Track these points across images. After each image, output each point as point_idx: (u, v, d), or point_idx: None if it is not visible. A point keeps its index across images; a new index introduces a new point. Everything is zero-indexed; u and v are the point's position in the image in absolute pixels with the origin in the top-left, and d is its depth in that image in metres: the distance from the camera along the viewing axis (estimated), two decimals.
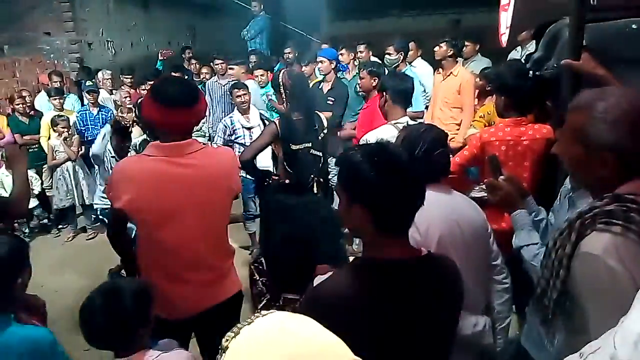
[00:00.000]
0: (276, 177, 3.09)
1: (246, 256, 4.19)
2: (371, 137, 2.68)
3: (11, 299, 1.59)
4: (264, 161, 3.46)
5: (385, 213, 1.17)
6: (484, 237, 1.82)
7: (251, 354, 0.66)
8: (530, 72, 2.53)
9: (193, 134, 2.01)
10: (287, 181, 2.98)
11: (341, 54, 4.92)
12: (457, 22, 8.45)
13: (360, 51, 5.03)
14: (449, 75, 4.40)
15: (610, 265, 1.07)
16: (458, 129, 4.26)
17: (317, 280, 1.53)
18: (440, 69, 4.52)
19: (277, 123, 2.95)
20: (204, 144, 2.36)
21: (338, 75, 4.85)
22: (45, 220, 5.44)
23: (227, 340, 0.70)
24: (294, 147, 2.91)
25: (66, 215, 5.33)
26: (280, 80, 3.00)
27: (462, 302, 1.35)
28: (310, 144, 2.96)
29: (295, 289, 1.73)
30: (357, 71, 4.52)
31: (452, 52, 4.37)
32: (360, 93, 4.34)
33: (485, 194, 2.37)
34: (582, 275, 1.13)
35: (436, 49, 4.47)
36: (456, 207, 1.75)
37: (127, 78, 6.05)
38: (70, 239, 5.15)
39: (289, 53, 5.83)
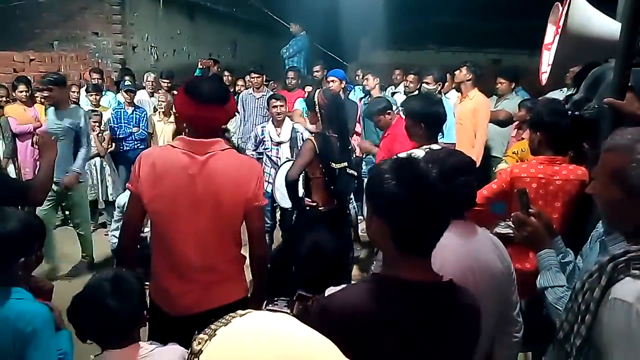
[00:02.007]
0: (313, 203, 3.05)
1: None
2: None
3: (13, 276, 1.57)
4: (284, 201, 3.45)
5: (404, 230, 1.12)
6: (503, 286, 1.66)
7: (232, 357, 0.58)
8: (569, 111, 2.46)
9: None
10: (333, 205, 2.94)
11: (366, 79, 5.07)
12: (496, 61, 8.40)
13: (366, 79, 5.09)
14: (464, 98, 4.45)
15: None
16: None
17: (330, 290, 1.49)
18: (460, 93, 4.55)
19: (313, 141, 2.95)
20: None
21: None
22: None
23: (199, 343, 0.61)
24: (334, 165, 2.91)
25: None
26: (315, 99, 3.01)
27: (478, 339, 1.26)
28: (346, 164, 2.97)
29: (313, 288, 1.71)
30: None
31: (471, 76, 4.43)
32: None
33: (511, 231, 2.28)
34: (610, 322, 1.04)
35: (457, 72, 4.56)
36: (476, 252, 1.59)
37: (165, 82, 6.18)
38: None
39: (317, 72, 5.89)
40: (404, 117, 3.22)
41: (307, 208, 3.08)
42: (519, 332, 1.72)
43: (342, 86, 4.80)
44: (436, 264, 1.45)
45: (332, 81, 4.77)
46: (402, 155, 2.53)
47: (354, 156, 3.18)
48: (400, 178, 1.11)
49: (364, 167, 4.54)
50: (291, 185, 3.00)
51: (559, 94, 4.61)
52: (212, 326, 0.64)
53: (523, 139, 4.02)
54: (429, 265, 1.19)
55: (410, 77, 5.12)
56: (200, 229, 1.86)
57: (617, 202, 1.12)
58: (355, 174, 3.06)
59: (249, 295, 2.08)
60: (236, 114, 5.84)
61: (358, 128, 4.99)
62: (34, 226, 1.69)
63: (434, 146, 2.67)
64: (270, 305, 1.80)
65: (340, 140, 2.98)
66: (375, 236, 1.19)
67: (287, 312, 1.74)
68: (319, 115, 3.03)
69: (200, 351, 0.60)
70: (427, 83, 4.68)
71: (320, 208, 3.02)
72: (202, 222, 1.86)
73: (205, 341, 0.61)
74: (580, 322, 1.10)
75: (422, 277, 1.15)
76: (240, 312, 0.66)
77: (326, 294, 1.36)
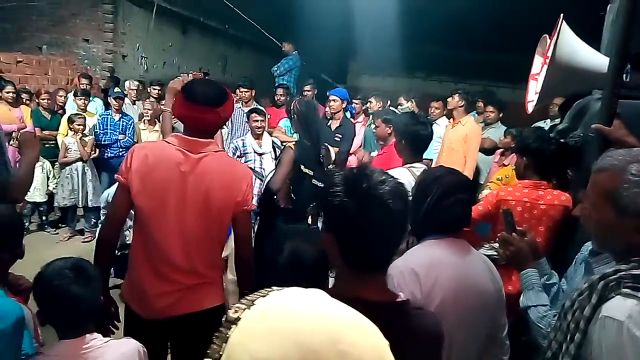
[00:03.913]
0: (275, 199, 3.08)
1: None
2: None
3: None
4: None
5: (351, 244, 1.05)
6: (493, 308, 1.64)
7: (271, 328, 0.56)
8: (554, 139, 2.52)
9: None
10: (288, 206, 2.96)
11: (370, 101, 5.26)
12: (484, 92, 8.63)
13: (370, 101, 5.25)
14: (457, 124, 4.56)
15: (633, 334, 1.00)
16: None
17: None
18: (452, 119, 4.66)
19: (292, 147, 2.98)
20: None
21: (346, 115, 5.07)
22: (45, 218, 5.39)
23: (236, 311, 0.60)
24: (304, 169, 2.92)
25: (66, 215, 5.30)
26: (292, 106, 3.06)
27: None
28: (312, 173, 2.97)
29: None
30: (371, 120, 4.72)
31: (463, 103, 4.55)
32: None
33: (494, 253, 2.30)
34: (600, 341, 1.04)
35: (449, 99, 4.69)
36: (468, 271, 1.58)
37: (155, 89, 6.16)
38: (66, 239, 5.09)
39: (308, 91, 5.94)
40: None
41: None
42: (505, 354, 1.71)
43: (343, 106, 4.77)
44: (429, 280, 1.46)
45: (334, 100, 4.72)
46: (358, 166, 2.58)
47: (330, 167, 3.17)
48: (347, 189, 1.04)
49: None
50: (274, 194, 3.02)
51: (543, 125, 4.75)
52: (249, 297, 0.62)
53: (505, 165, 4.11)
54: (382, 283, 1.11)
55: (371, 98, 5.32)
56: (186, 228, 1.83)
57: (608, 222, 1.13)
58: (320, 184, 3.04)
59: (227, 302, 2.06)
60: (224, 126, 5.84)
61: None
62: (7, 222, 1.63)
63: (417, 165, 2.71)
64: None
65: (312, 148, 3.01)
66: (326, 250, 1.13)
67: None
68: (295, 122, 3.09)
69: (238, 318, 0.59)
70: (400, 104, 4.86)
71: (279, 203, 3.02)
72: (190, 221, 1.83)
73: (243, 310, 0.59)
74: (569, 340, 1.10)
75: (374, 295, 1.06)
76: (274, 287, 0.65)
77: None
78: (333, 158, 3.09)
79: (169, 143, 1.86)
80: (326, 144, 3.15)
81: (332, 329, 0.57)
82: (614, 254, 1.17)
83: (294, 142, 3.02)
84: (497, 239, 2.21)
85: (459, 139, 4.47)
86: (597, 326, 1.05)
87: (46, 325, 1.54)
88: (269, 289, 0.64)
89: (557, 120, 4.57)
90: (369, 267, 1.08)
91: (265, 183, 3.73)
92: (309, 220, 3.01)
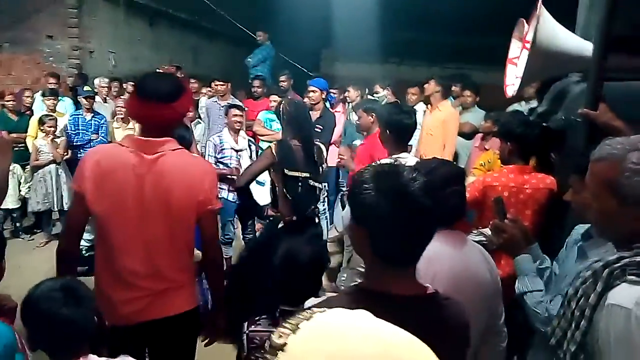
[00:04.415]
0: (277, 214, 3.01)
1: None
2: None
3: None
4: (262, 198, 3.39)
5: (383, 239, 1.07)
6: (490, 297, 1.67)
7: (320, 352, 0.54)
8: (537, 123, 2.55)
9: None
10: (293, 218, 2.91)
11: (348, 90, 5.23)
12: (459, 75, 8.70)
13: (348, 90, 5.23)
14: (434, 110, 4.59)
15: None
16: None
17: (310, 302, 1.46)
18: (429, 105, 4.67)
19: (273, 148, 2.91)
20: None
21: (326, 105, 5.04)
22: (18, 224, 5.22)
23: (280, 336, 0.57)
24: (288, 172, 2.85)
25: (41, 220, 5.14)
26: (280, 108, 2.98)
27: (467, 352, 1.25)
28: (308, 174, 2.91)
29: (294, 301, 1.65)
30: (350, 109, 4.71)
31: (439, 89, 4.57)
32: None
33: (484, 239, 2.33)
34: (608, 328, 1.05)
35: (425, 85, 4.70)
36: (466, 262, 1.60)
37: (131, 86, 5.99)
38: (43, 244, 4.94)
39: (283, 81, 5.87)
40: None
41: (271, 218, 3.05)
42: (503, 341, 1.73)
43: (323, 96, 4.74)
44: (429, 274, 1.45)
45: (313, 91, 4.68)
46: (385, 161, 2.57)
47: (325, 166, 3.14)
48: (380, 186, 1.06)
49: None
50: (241, 190, 2.98)
51: (518, 107, 4.81)
52: (292, 320, 0.60)
53: (486, 149, 4.15)
54: (412, 276, 1.13)
55: (350, 88, 5.27)
56: (148, 233, 1.77)
57: (610, 211, 1.14)
58: (319, 185, 3.01)
59: (200, 305, 2.01)
60: (200, 122, 5.73)
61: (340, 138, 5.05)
62: None
63: (403, 155, 2.71)
64: (252, 326, 1.69)
65: (304, 149, 2.94)
66: (357, 246, 1.15)
67: (273, 330, 1.67)
68: (285, 125, 3.00)
69: (285, 344, 0.56)
70: (376, 92, 4.86)
71: (285, 218, 2.97)
72: (151, 226, 1.77)
73: (288, 335, 0.57)
74: (574, 328, 1.11)
75: (405, 290, 1.10)
76: (317, 309, 0.62)
77: (306, 307, 1.31)
78: (325, 156, 3.04)
79: (123, 145, 1.78)
80: (318, 143, 3.09)
81: (383, 350, 0.55)
82: (616, 242, 1.19)
83: (275, 143, 2.95)
84: (485, 226, 2.25)
85: (437, 124, 4.48)
86: (603, 314, 1.06)
87: (37, 350, 1.47)
88: (310, 311, 0.62)
89: (533, 103, 4.65)
90: (400, 261, 1.10)
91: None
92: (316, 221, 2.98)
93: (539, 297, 1.64)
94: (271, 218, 3.07)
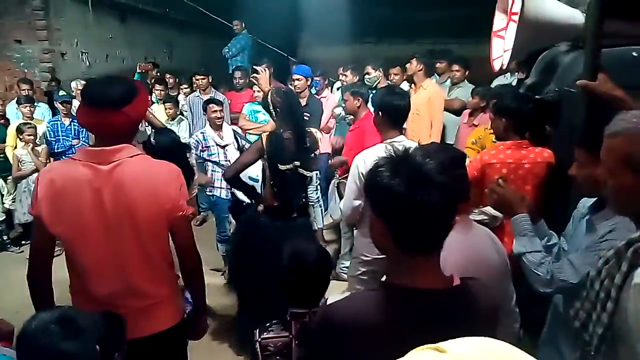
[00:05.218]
0: (260, 200, 2.99)
1: (218, 279, 4.01)
2: (367, 157, 2.60)
3: None
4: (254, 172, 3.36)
5: (402, 226, 1.04)
6: (501, 279, 1.65)
7: None
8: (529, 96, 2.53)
9: None
10: (274, 204, 2.87)
11: (345, 74, 5.18)
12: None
13: (345, 75, 5.15)
14: (419, 89, 4.55)
15: None
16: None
17: (332, 299, 1.42)
18: (413, 85, 4.62)
19: (263, 140, 2.85)
20: None
21: (311, 92, 4.98)
22: (6, 237, 5.08)
23: None
24: (281, 167, 2.81)
25: (29, 231, 5.01)
26: (269, 98, 2.91)
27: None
28: (298, 163, 2.87)
29: (305, 304, 1.62)
30: (341, 93, 4.65)
31: (422, 67, 4.53)
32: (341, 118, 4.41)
33: (485, 217, 2.32)
34: (637, 307, 1.02)
35: (407, 65, 4.65)
36: (475, 245, 1.59)
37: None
38: None
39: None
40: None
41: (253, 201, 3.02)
42: (517, 322, 1.73)
43: (308, 83, 4.67)
44: None
45: (298, 79, 4.61)
46: (366, 159, 2.53)
47: (317, 153, 3.09)
48: (394, 170, 1.03)
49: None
50: (232, 182, 2.94)
51: (503, 80, 4.79)
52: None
53: (475, 125, 4.14)
54: (437, 267, 1.11)
55: (347, 72, 5.25)
56: (117, 250, 1.66)
57: (627, 186, 1.12)
58: (308, 173, 2.97)
59: (185, 316, 1.92)
60: (183, 117, 5.61)
61: (330, 123, 4.97)
62: None
63: (398, 139, 2.67)
64: (264, 333, 1.64)
65: (296, 138, 2.89)
66: (377, 239, 1.12)
67: (286, 335, 1.64)
68: (273, 114, 2.94)
69: None
70: (367, 74, 4.81)
71: (266, 204, 2.94)
72: (119, 242, 1.66)
73: None
74: (600, 309, 1.09)
75: (433, 282, 1.07)
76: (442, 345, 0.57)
77: (328, 303, 1.27)
78: (319, 142, 2.98)
79: (76, 159, 1.66)
80: (312, 129, 3.04)
81: None
82: (636, 218, 1.16)
83: (266, 135, 2.88)
84: (485, 205, 2.23)
85: (423, 103, 4.44)
86: (630, 294, 1.04)
87: None
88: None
89: (517, 75, 4.63)
90: (423, 250, 1.07)
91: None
92: (295, 214, 2.94)
93: (539, 258, 1.62)
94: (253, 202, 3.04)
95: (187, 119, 5.56)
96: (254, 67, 3.18)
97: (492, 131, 2.79)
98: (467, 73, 4.90)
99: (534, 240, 1.67)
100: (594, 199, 1.64)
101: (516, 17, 2.43)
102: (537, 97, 2.47)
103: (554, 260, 1.67)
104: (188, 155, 3.20)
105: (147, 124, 3.48)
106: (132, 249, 1.68)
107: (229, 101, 5.48)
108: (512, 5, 2.66)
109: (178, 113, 5.53)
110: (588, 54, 1.80)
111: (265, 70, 3.09)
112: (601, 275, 1.10)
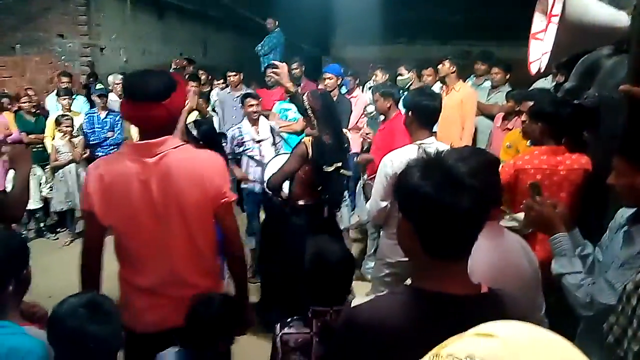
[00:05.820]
0: (285, 197, 3.03)
1: None
2: (395, 158, 2.57)
3: (2, 307, 1.41)
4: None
5: (430, 230, 1.02)
6: (531, 289, 1.59)
7: None
8: (568, 100, 2.45)
9: None
10: (308, 202, 2.90)
11: (375, 74, 5.25)
12: (469, 52, 8.49)
13: (375, 74, 5.14)
14: (451, 91, 4.46)
15: None
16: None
17: (356, 301, 1.41)
18: (444, 86, 4.56)
19: (307, 145, 2.86)
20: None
21: (341, 91, 4.99)
22: (42, 224, 5.27)
23: None
24: (327, 169, 2.84)
25: (64, 219, 5.18)
26: (306, 103, 2.90)
27: None
28: (340, 164, 2.91)
29: (326, 302, 1.61)
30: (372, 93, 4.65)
31: (454, 69, 4.45)
32: (373, 116, 4.37)
33: (516, 224, 2.25)
34: None
35: (440, 66, 4.57)
36: (505, 254, 1.53)
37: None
38: (67, 243, 4.98)
39: (295, 69, 5.77)
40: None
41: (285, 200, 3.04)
42: None
43: (338, 82, 4.70)
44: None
45: (329, 78, 4.63)
46: (394, 161, 2.51)
47: (349, 152, 3.11)
48: (423, 172, 1.01)
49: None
50: (273, 190, 2.97)
51: (543, 83, 4.65)
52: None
53: (509, 129, 4.04)
54: (465, 273, 1.08)
55: (377, 71, 5.23)
56: (166, 239, 1.71)
57: None
58: (349, 173, 3.00)
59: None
60: (214, 114, 5.69)
61: (360, 123, 4.97)
62: (15, 247, 1.50)
63: (428, 140, 2.63)
64: (286, 328, 1.65)
65: (335, 140, 2.90)
66: (404, 242, 1.09)
67: (307, 332, 1.64)
68: (313, 118, 2.93)
69: None
70: (400, 74, 4.77)
71: (299, 202, 2.95)
72: (167, 231, 1.70)
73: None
74: (637, 326, 1.05)
75: (459, 288, 1.04)
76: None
77: (352, 304, 1.26)
78: (350, 141, 3.02)
79: (123, 153, 1.72)
80: (345, 130, 3.07)
81: None
82: None
83: (310, 140, 2.89)
84: (517, 211, 2.17)
85: (455, 105, 4.37)
86: None
87: None
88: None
89: (558, 78, 4.47)
90: (451, 254, 1.04)
91: (266, 173, 3.65)
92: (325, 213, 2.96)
93: (579, 279, 1.57)
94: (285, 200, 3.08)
95: (217, 114, 5.63)
96: (274, 62, 3.17)
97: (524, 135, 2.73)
98: (507, 77, 4.75)
99: (574, 262, 1.61)
100: (633, 209, 1.58)
101: (556, 19, 2.36)
102: (575, 101, 2.39)
103: (586, 274, 1.61)
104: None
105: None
106: (180, 238, 1.72)
107: (261, 98, 5.52)
108: (552, 7, 2.58)
109: (209, 109, 5.62)
110: (632, 58, 1.73)
111: (285, 65, 3.10)
112: (638, 290, 1.05)
